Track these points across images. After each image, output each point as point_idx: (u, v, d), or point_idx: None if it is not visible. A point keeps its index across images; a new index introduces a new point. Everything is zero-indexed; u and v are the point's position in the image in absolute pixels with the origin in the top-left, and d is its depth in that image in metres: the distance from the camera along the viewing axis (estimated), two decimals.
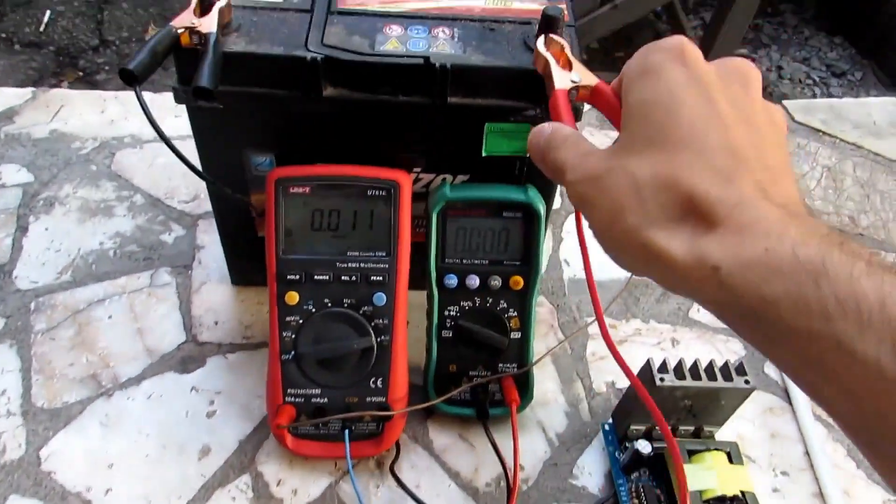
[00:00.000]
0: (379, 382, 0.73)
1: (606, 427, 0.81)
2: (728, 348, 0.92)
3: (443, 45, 0.67)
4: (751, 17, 2.72)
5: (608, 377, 0.87)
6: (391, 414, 0.73)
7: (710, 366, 0.72)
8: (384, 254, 0.73)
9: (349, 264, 0.72)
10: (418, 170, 0.76)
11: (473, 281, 0.76)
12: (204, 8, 0.63)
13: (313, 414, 0.73)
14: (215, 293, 0.91)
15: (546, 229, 0.76)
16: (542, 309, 0.93)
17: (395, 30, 0.68)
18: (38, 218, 0.97)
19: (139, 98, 0.60)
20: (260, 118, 0.70)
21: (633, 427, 0.77)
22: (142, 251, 0.94)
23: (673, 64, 0.45)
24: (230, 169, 0.74)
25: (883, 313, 0.33)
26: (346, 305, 0.73)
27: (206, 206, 0.95)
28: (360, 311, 0.73)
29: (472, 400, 0.78)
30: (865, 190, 1.14)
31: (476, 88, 0.67)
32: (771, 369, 0.90)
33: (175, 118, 1.02)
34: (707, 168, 0.40)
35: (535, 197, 0.74)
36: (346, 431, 0.73)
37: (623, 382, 0.86)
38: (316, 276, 0.72)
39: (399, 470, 0.76)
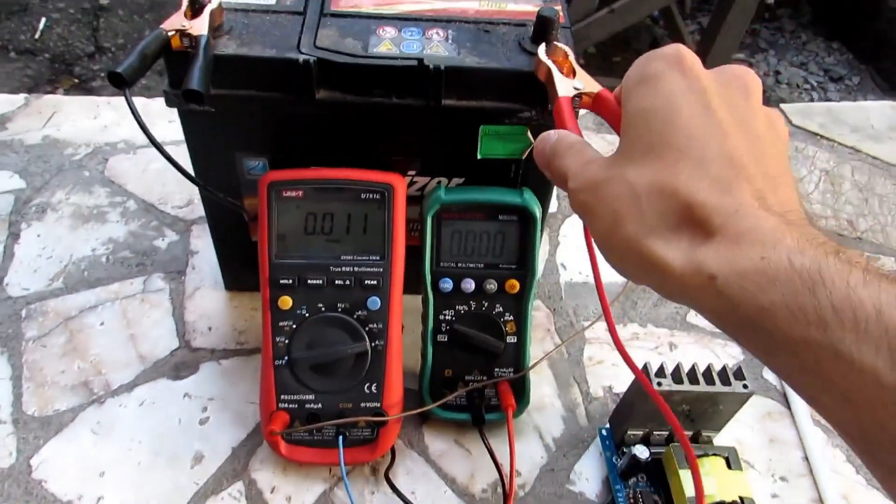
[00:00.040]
0: (373, 388, 0.73)
1: (604, 432, 0.80)
2: (726, 352, 0.91)
3: (437, 47, 0.67)
4: (748, 22, 2.72)
5: (605, 382, 0.86)
6: (386, 419, 0.73)
7: (709, 370, 0.71)
8: (378, 258, 0.72)
9: (343, 268, 0.72)
10: (413, 173, 0.75)
11: (469, 285, 0.75)
12: (195, 10, 0.63)
13: (307, 420, 0.73)
14: (209, 299, 0.90)
15: (542, 233, 0.76)
16: (538, 313, 0.93)
17: (389, 32, 0.68)
18: (30, 224, 0.96)
19: (128, 101, 0.59)
20: (252, 122, 0.70)
21: (630, 432, 0.76)
22: (135, 257, 0.94)
23: (672, 72, 0.45)
24: (223, 173, 0.74)
25: (879, 321, 0.33)
26: (339, 310, 0.72)
27: (200, 211, 0.95)
28: (354, 316, 0.72)
29: (468, 405, 0.78)
30: (864, 194, 1.14)
31: (471, 90, 0.67)
32: (769, 374, 0.89)
33: (168, 123, 1.01)
34: (705, 177, 0.40)
35: (530, 200, 0.73)
36: (341, 437, 0.73)
37: (620, 387, 0.85)
38: (309, 281, 0.72)
39: (394, 476, 0.76)
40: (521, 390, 0.78)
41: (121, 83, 0.58)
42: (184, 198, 1.01)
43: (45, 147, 1.06)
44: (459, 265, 0.75)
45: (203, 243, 0.95)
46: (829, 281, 0.34)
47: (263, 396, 0.73)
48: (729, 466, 0.72)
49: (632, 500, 0.75)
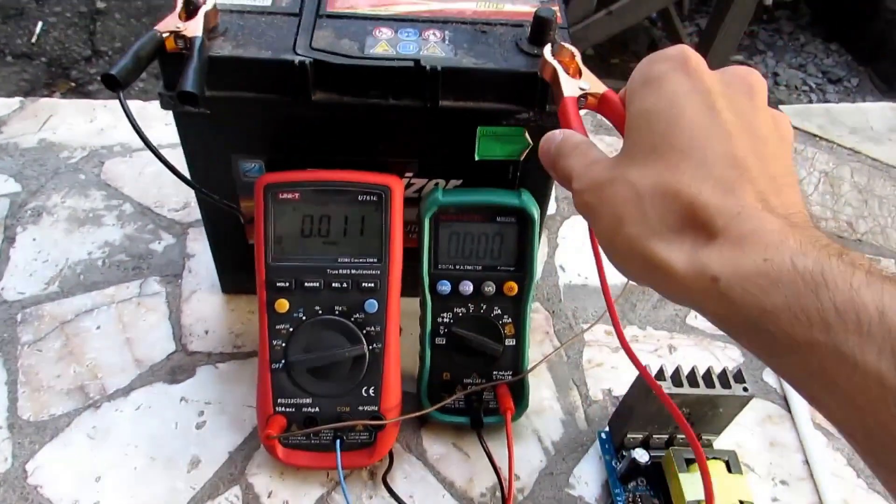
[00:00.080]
0: (371, 391, 0.72)
1: (603, 435, 0.80)
2: (726, 355, 0.90)
3: (434, 48, 0.67)
4: (746, 24, 2.73)
5: (604, 384, 0.86)
6: (384, 423, 0.72)
7: (708, 373, 0.71)
8: (376, 260, 0.72)
9: (340, 271, 0.71)
10: (410, 174, 0.75)
11: (467, 287, 0.75)
12: (189, 12, 0.63)
13: (304, 424, 0.72)
14: (205, 302, 0.90)
15: (541, 235, 0.75)
16: (537, 315, 0.92)
17: (385, 33, 0.68)
18: (26, 228, 0.96)
19: (122, 103, 0.59)
20: (248, 123, 0.69)
21: (630, 435, 0.75)
22: (131, 260, 0.93)
23: (676, 73, 0.44)
24: (219, 176, 0.73)
25: (883, 323, 0.33)
26: (337, 313, 0.72)
27: (197, 214, 0.94)
28: (352, 319, 0.72)
29: (467, 408, 0.77)
30: (863, 195, 1.14)
31: (468, 91, 0.66)
32: (769, 377, 0.89)
33: (165, 126, 1.01)
34: (708, 178, 0.40)
35: (528, 201, 0.73)
36: (338, 441, 0.72)
37: (620, 390, 0.85)
38: (306, 284, 0.71)
39: (392, 480, 0.75)
40: (519, 393, 0.78)
41: (114, 85, 0.57)
42: (180, 201, 1.00)
43: (41, 150, 1.06)
44: (457, 267, 0.75)
45: (199, 246, 0.95)
46: (833, 283, 0.34)
47: (260, 400, 0.73)
48: (729, 470, 0.72)
49: None
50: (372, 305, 0.71)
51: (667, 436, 0.75)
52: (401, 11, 0.70)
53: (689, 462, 0.72)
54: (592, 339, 0.91)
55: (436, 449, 0.79)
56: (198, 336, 0.86)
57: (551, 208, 1.05)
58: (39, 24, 2.84)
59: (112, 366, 0.83)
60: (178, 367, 0.83)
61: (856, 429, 0.35)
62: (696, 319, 0.94)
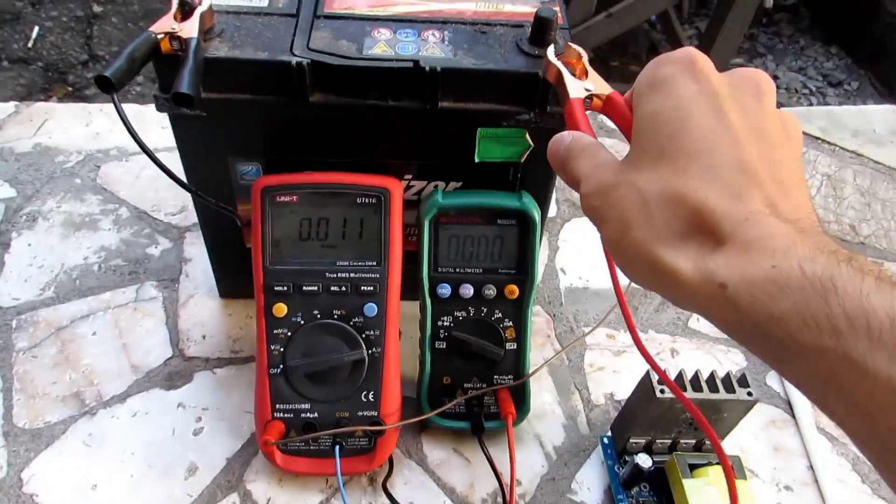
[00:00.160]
0: (370, 396, 0.72)
1: (605, 440, 0.79)
2: (729, 359, 0.90)
3: (433, 49, 0.66)
4: (746, 27, 2.72)
5: (606, 388, 0.85)
6: (383, 428, 0.72)
7: (712, 377, 0.70)
8: (375, 263, 0.71)
9: (339, 274, 0.71)
10: (409, 177, 0.74)
11: (467, 290, 0.74)
12: (184, 13, 0.62)
13: (303, 429, 0.72)
14: (203, 307, 0.89)
15: (542, 237, 0.75)
16: (538, 319, 0.92)
17: (384, 33, 0.67)
18: (21, 233, 0.95)
19: (116, 105, 0.58)
20: (245, 126, 0.69)
21: (632, 440, 0.75)
22: (127, 265, 0.92)
23: (683, 76, 0.44)
24: (216, 179, 0.73)
25: (893, 329, 0.32)
26: (335, 317, 0.71)
27: (194, 217, 0.94)
28: (351, 323, 0.71)
29: (467, 413, 0.77)
30: (866, 198, 1.13)
31: (468, 92, 0.66)
32: (773, 381, 0.88)
33: (162, 129, 1.00)
34: (715, 183, 0.40)
35: (529, 203, 0.72)
36: (337, 447, 0.72)
37: (622, 394, 0.84)
38: (304, 287, 0.71)
39: (392, 486, 0.75)
40: (520, 398, 0.78)
41: (108, 87, 0.57)
42: (177, 204, 1.00)
43: (36, 155, 1.05)
44: (457, 270, 0.75)
45: (197, 250, 0.94)
46: (842, 289, 0.33)
47: (258, 406, 0.72)
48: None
49: None
50: (371, 309, 0.71)
51: (670, 440, 0.75)
52: (399, 12, 0.70)
53: (692, 467, 0.72)
54: (594, 343, 0.90)
55: (436, 454, 0.78)
56: (195, 341, 0.86)
57: (552, 211, 1.05)
58: (36, 28, 2.83)
59: (108, 372, 0.82)
60: (175, 373, 0.82)
61: (866, 435, 0.35)
62: (698, 323, 0.93)
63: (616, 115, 0.55)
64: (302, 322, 0.71)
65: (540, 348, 0.88)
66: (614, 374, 0.87)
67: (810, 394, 0.37)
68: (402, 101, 0.66)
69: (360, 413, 0.72)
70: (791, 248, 0.36)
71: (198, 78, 0.59)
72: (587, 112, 0.56)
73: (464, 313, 0.75)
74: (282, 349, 0.71)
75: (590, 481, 0.77)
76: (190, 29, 0.61)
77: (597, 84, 0.57)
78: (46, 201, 0.99)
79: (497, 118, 0.68)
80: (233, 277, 0.87)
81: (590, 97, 0.56)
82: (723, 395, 0.69)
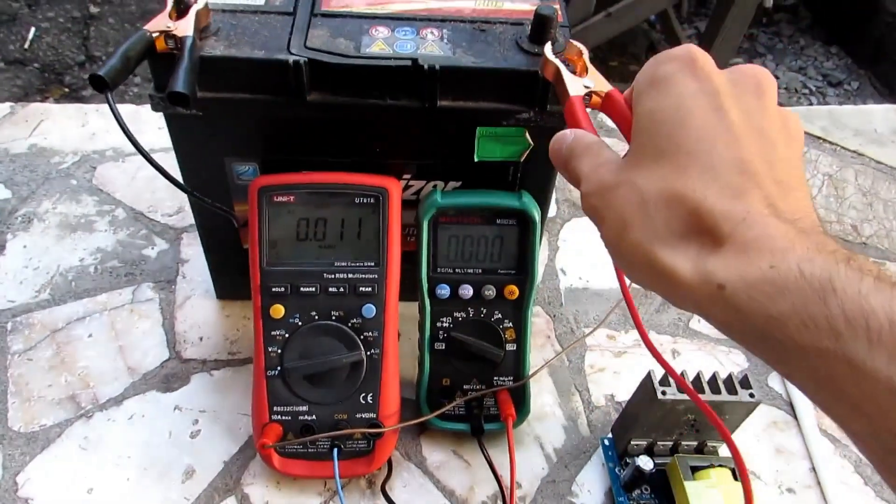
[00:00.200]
0: (369, 398, 0.71)
1: (606, 442, 0.79)
2: (730, 360, 0.89)
3: (431, 47, 0.65)
4: (746, 27, 2.72)
5: (607, 390, 0.85)
6: (382, 431, 0.71)
7: (714, 378, 0.70)
8: (373, 264, 0.71)
9: (337, 275, 0.70)
10: (408, 176, 0.74)
11: (466, 291, 0.74)
12: (180, 11, 0.62)
13: (301, 432, 0.71)
14: (200, 308, 0.89)
15: (541, 237, 0.74)
16: (538, 319, 0.91)
17: (382, 31, 0.66)
18: (16, 235, 0.94)
19: (110, 104, 0.58)
20: (241, 125, 0.68)
21: (633, 442, 0.74)
22: (123, 266, 0.92)
23: (683, 74, 0.44)
24: (212, 179, 0.72)
25: (892, 331, 0.32)
26: (333, 318, 0.71)
27: (191, 218, 0.93)
28: (349, 324, 0.71)
29: (467, 415, 0.76)
30: (868, 198, 1.13)
31: (467, 91, 0.65)
32: (775, 382, 0.87)
33: (158, 130, 1.00)
34: (714, 183, 0.39)
35: (529, 203, 0.72)
36: (336, 450, 0.71)
37: (622, 395, 0.84)
38: (302, 288, 0.70)
39: (391, 489, 0.74)
40: (521, 399, 0.77)
41: (102, 86, 0.56)
42: (174, 205, 0.99)
43: (32, 156, 1.04)
44: (457, 271, 0.74)
45: (193, 251, 0.94)
46: (841, 290, 0.33)
47: (256, 408, 0.72)
48: (735, 478, 0.71)
49: None
50: (370, 310, 0.70)
51: (671, 442, 0.74)
52: (398, 10, 0.69)
53: (694, 469, 0.71)
54: (594, 344, 0.89)
55: (436, 457, 0.78)
56: (192, 343, 0.85)
57: (552, 211, 1.04)
58: (32, 29, 2.83)
59: (104, 374, 0.81)
60: (171, 375, 0.82)
61: (867, 436, 0.35)
62: (699, 324, 0.93)
63: (615, 114, 0.54)
64: (300, 323, 0.70)
65: (540, 349, 0.88)
66: (615, 375, 0.86)
67: (810, 394, 0.37)
68: (401, 99, 0.65)
69: (358, 415, 0.71)
70: (789, 249, 0.36)
71: (193, 77, 0.58)
72: (588, 110, 0.55)
73: (463, 314, 0.75)
74: (279, 351, 0.70)
75: (590, 483, 0.77)
76: (185, 27, 0.60)
77: (596, 81, 0.57)
78: (42, 203, 0.98)
79: (496, 117, 0.67)
80: (230, 278, 0.86)
81: (589, 94, 0.56)
82: (725, 396, 0.69)
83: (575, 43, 0.60)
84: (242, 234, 0.78)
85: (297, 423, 0.71)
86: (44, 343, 0.83)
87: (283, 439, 0.71)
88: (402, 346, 0.74)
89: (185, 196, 0.81)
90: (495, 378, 0.76)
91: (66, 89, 2.65)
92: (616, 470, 0.76)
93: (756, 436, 0.82)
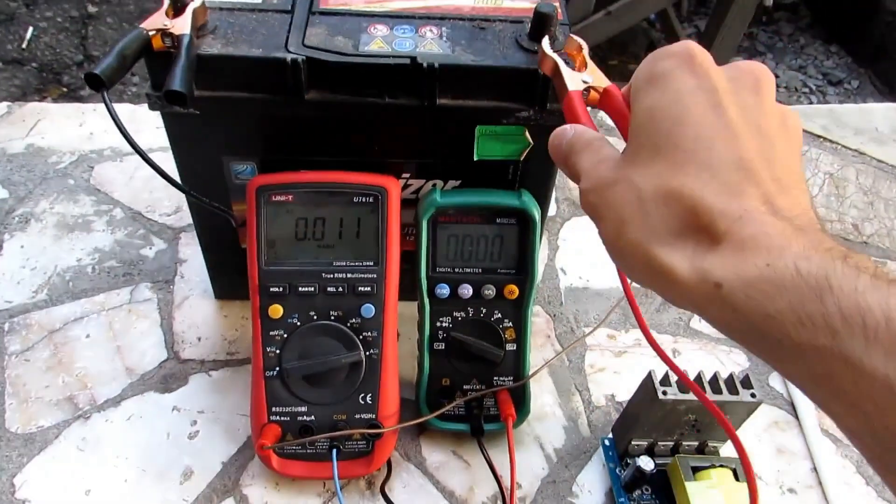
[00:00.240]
0: (368, 398, 0.71)
1: (606, 442, 0.78)
2: (731, 359, 0.89)
3: (430, 45, 0.65)
4: (746, 25, 2.72)
5: (607, 390, 0.85)
6: (381, 431, 0.71)
7: (715, 378, 0.70)
8: (372, 263, 0.70)
9: (335, 275, 0.70)
10: (407, 175, 0.74)
11: (466, 290, 0.73)
12: (176, 9, 0.61)
13: (300, 433, 0.71)
14: (198, 308, 0.88)
15: (541, 236, 0.74)
16: (538, 319, 0.91)
17: (380, 29, 0.66)
18: (13, 235, 0.94)
19: (106, 103, 0.57)
20: (239, 124, 0.68)
21: (634, 442, 0.74)
22: (121, 267, 0.91)
23: (681, 70, 0.43)
24: (210, 178, 0.72)
25: (889, 328, 0.32)
26: (332, 318, 0.70)
27: (189, 218, 0.92)
28: (348, 324, 0.70)
29: (467, 415, 0.76)
30: (869, 197, 1.12)
31: (466, 89, 0.65)
32: (776, 382, 0.87)
33: (156, 129, 0.99)
34: (712, 181, 0.39)
35: (529, 202, 0.71)
36: (335, 450, 0.71)
37: (623, 395, 0.83)
38: (300, 288, 0.70)
39: (390, 490, 0.74)
40: (521, 399, 0.77)
41: (98, 84, 0.56)
42: (172, 205, 0.99)
43: (29, 156, 1.04)
44: (456, 270, 0.74)
45: (192, 251, 0.93)
46: (838, 287, 0.33)
47: (254, 409, 0.72)
48: (736, 478, 0.71)
49: None
50: (369, 310, 0.70)
51: (672, 443, 0.74)
52: (396, 7, 0.69)
53: (695, 470, 0.71)
54: (594, 344, 0.89)
55: (435, 457, 0.77)
56: (190, 343, 0.85)
57: (551, 210, 1.04)
58: (30, 29, 2.82)
59: (102, 375, 0.81)
60: (170, 376, 0.81)
61: (863, 433, 0.35)
62: (700, 323, 0.92)
63: (612, 110, 0.54)
64: (298, 323, 0.70)
65: (540, 349, 0.88)
66: (615, 374, 0.86)
67: (807, 392, 0.37)
68: (400, 98, 0.65)
69: (357, 416, 0.71)
70: (786, 247, 0.36)
71: (190, 75, 0.58)
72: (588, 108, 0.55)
73: (463, 314, 0.74)
74: (278, 351, 0.70)
75: (591, 484, 0.77)
76: (182, 25, 0.60)
77: (594, 76, 0.56)
78: (39, 202, 0.98)
79: (496, 115, 0.67)
80: (228, 278, 0.86)
81: (587, 90, 0.55)
82: (726, 396, 0.68)
83: (574, 37, 0.59)
84: (241, 234, 0.78)
85: (295, 423, 0.71)
86: (41, 344, 0.83)
87: (282, 440, 0.71)
88: (401, 346, 0.73)
89: (183, 196, 0.80)
90: (495, 378, 0.76)
91: (65, 89, 2.65)
92: (617, 470, 0.76)
93: (757, 436, 0.82)
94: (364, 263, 0.70)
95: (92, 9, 2.95)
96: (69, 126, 1.08)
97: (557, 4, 0.66)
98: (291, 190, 0.69)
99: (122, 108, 1.07)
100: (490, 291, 0.73)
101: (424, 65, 0.62)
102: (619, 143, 0.46)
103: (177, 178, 0.69)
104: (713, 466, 0.71)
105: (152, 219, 0.97)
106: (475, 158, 0.71)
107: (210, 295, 0.89)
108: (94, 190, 1.00)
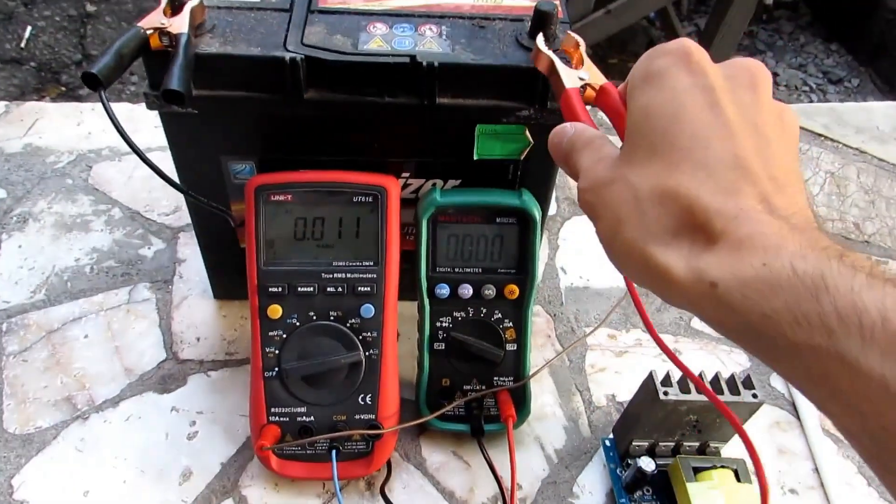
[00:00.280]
0: (368, 399, 0.71)
1: (607, 443, 0.78)
2: (732, 360, 0.89)
3: (430, 44, 0.65)
4: (746, 24, 2.72)
5: (608, 390, 0.84)
6: (381, 432, 0.71)
7: (716, 379, 0.70)
8: (371, 263, 0.70)
9: (335, 275, 0.70)
10: (407, 175, 0.73)
11: (466, 290, 0.73)
12: (174, 8, 0.61)
13: (299, 433, 0.71)
14: (197, 308, 0.88)
15: (542, 236, 0.74)
16: (538, 319, 0.91)
17: (380, 28, 0.66)
18: (11, 235, 0.94)
19: (104, 102, 0.57)
20: (238, 123, 0.68)
21: (635, 443, 0.74)
22: (120, 266, 0.91)
23: (677, 68, 0.43)
24: (208, 178, 0.72)
25: (885, 327, 0.32)
26: (332, 318, 0.70)
27: (188, 218, 0.92)
28: (347, 325, 0.70)
29: (467, 415, 0.76)
30: (870, 196, 1.12)
31: (466, 88, 0.65)
32: (777, 382, 0.87)
33: (155, 129, 0.99)
34: (708, 180, 0.39)
35: (529, 202, 0.71)
36: (334, 451, 0.71)
37: (624, 396, 0.83)
38: (300, 288, 0.69)
39: (390, 491, 0.74)
40: (521, 400, 0.77)
41: (95, 84, 0.56)
42: (170, 205, 0.98)
43: (27, 155, 1.04)
44: (456, 270, 0.74)
45: (190, 251, 0.93)
46: (833, 286, 0.33)
47: (253, 409, 0.71)
48: (738, 479, 0.71)
49: None
50: (368, 310, 0.70)
51: (673, 443, 0.74)
52: (395, 6, 0.68)
53: (696, 471, 0.71)
54: (595, 343, 0.89)
55: (435, 458, 0.77)
56: (189, 343, 0.84)
57: (552, 209, 1.04)
58: (28, 28, 2.81)
59: (100, 375, 0.81)
60: (168, 376, 0.81)
61: (860, 433, 0.35)
62: (701, 323, 0.91)
63: (608, 108, 0.54)
64: (297, 324, 0.70)
65: (540, 349, 0.87)
66: (616, 374, 0.86)
67: (805, 392, 0.37)
68: (399, 97, 0.64)
69: (357, 416, 0.71)
70: (782, 246, 0.35)
71: (188, 74, 0.58)
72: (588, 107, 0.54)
73: (463, 314, 0.74)
74: (277, 351, 0.70)
75: (591, 485, 0.76)
76: (180, 24, 0.60)
77: (591, 73, 0.56)
78: (37, 202, 0.98)
79: (496, 114, 0.67)
80: (227, 278, 0.86)
81: (584, 87, 0.55)
82: (727, 397, 0.68)
83: (572, 34, 0.59)
84: (239, 234, 0.77)
85: (295, 424, 0.71)
86: (39, 344, 0.83)
87: (282, 441, 0.71)
88: (401, 346, 0.73)
89: (181, 195, 0.80)
90: (495, 378, 0.76)
91: (63, 88, 2.65)
92: (617, 471, 0.75)
93: (759, 436, 0.81)
94: (364, 263, 0.70)
95: (90, 8, 2.95)
96: (67, 125, 1.08)
97: (558, 2, 0.66)
98: (290, 189, 0.69)
99: (120, 108, 1.06)
100: (490, 291, 0.73)
101: (424, 64, 0.62)
102: (619, 142, 0.45)
103: (175, 177, 0.69)
104: (714, 467, 0.71)
105: (151, 218, 0.97)
106: (475, 158, 0.70)
107: (209, 295, 0.89)
108: (93, 189, 1.00)
